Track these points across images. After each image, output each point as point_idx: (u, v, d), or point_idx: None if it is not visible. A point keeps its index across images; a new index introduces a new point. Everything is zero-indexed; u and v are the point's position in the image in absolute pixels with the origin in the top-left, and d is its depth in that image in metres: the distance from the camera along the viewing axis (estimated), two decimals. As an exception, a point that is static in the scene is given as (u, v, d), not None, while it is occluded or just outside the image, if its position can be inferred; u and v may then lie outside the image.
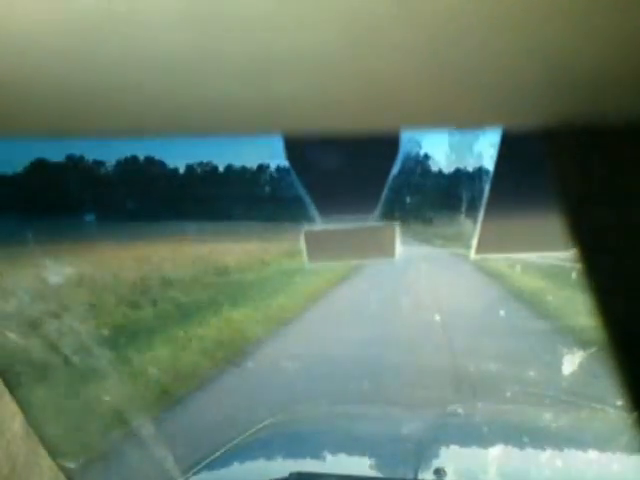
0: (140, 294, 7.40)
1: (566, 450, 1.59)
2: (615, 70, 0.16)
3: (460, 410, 2.26)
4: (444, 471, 1.34)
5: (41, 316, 4.51)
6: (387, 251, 0.67)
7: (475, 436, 1.79)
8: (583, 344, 4.69)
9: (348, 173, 0.52)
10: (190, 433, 3.23)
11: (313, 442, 1.81)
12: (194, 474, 1.48)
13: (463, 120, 0.19)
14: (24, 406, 0.89)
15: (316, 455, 1.66)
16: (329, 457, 1.63)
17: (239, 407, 3.75)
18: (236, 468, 1.63)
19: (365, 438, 1.83)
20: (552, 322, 6.71)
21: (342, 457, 1.62)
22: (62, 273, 5.52)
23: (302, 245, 0.65)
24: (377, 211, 0.57)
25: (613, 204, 0.22)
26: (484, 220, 0.51)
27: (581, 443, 1.64)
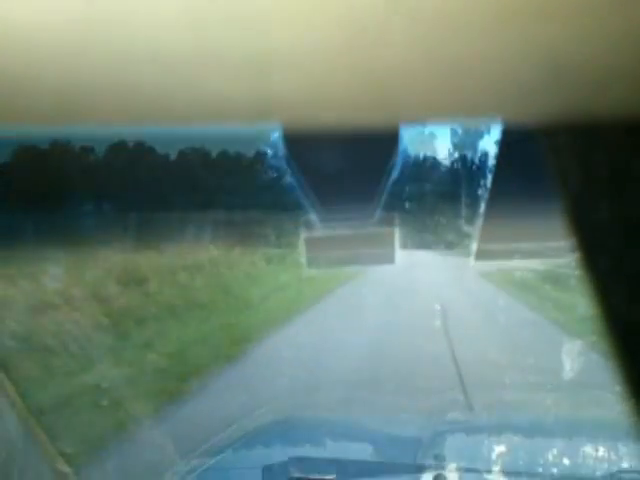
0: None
1: (568, 449, 1.59)
2: (616, 66, 0.16)
3: (460, 416, 2.26)
4: (444, 476, 1.34)
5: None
6: (386, 257, 0.66)
7: (476, 441, 1.79)
8: (584, 344, 4.69)
9: (347, 175, 0.52)
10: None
11: (312, 446, 1.81)
12: (193, 459, 1.48)
13: (462, 115, 0.19)
14: (22, 405, 0.89)
15: (315, 459, 1.65)
16: (328, 461, 1.63)
17: (237, 403, 3.75)
18: (235, 470, 1.63)
19: (365, 443, 1.83)
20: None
21: (341, 461, 1.62)
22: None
23: (301, 251, 0.65)
24: (376, 216, 0.57)
25: (613, 203, 0.22)
26: (483, 225, 0.51)
27: (583, 447, 1.64)
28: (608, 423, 1.69)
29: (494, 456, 1.49)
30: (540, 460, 1.54)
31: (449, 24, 0.15)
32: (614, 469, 1.40)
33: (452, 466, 1.48)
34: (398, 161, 0.48)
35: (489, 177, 0.47)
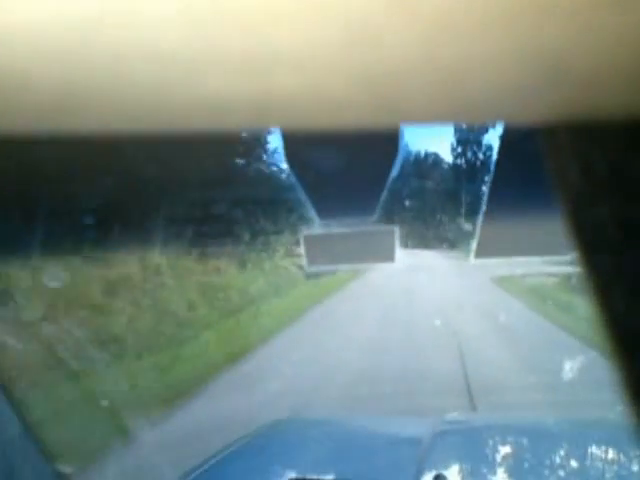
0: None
1: (569, 455, 1.59)
2: (616, 66, 0.16)
3: (461, 416, 2.25)
4: (444, 476, 1.34)
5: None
6: (386, 255, 0.67)
7: (476, 442, 1.79)
8: (586, 347, 4.64)
9: (347, 174, 0.52)
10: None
11: (312, 448, 1.81)
12: (193, 478, 1.48)
13: (463, 116, 0.19)
14: (21, 409, 0.89)
15: (315, 461, 1.65)
16: (328, 463, 1.62)
17: (237, 411, 3.73)
18: (235, 473, 1.63)
19: (365, 444, 1.83)
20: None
21: (341, 463, 1.62)
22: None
23: (301, 249, 0.65)
24: (376, 214, 0.57)
25: (613, 203, 0.22)
26: (483, 224, 0.51)
27: (582, 447, 1.64)
28: (617, 426, 1.69)
29: (496, 475, 1.49)
30: (547, 462, 1.54)
31: (449, 25, 0.15)
32: (624, 473, 1.40)
33: (453, 466, 1.48)
34: (398, 160, 0.48)
35: (489, 176, 0.47)
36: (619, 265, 0.22)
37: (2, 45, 0.16)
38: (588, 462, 1.55)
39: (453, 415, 2.30)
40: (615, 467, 1.49)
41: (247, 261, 9.99)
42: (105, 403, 3.64)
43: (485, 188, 0.48)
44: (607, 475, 1.44)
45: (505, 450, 1.66)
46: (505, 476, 1.47)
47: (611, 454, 1.55)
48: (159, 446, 3.01)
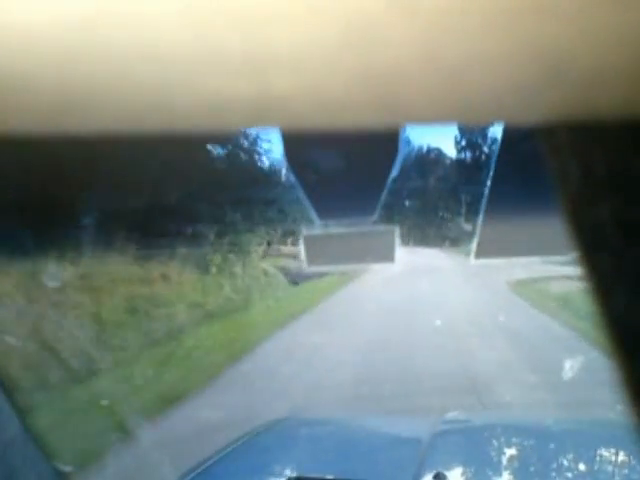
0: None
1: (568, 454, 1.59)
2: (616, 66, 0.16)
3: (461, 416, 2.25)
4: (444, 475, 1.34)
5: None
6: (386, 255, 0.66)
7: (476, 441, 1.79)
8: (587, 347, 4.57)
9: (347, 175, 0.52)
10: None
11: (313, 447, 1.81)
12: (192, 478, 1.48)
13: (463, 116, 0.19)
14: (21, 409, 0.89)
15: (314, 460, 1.65)
16: (327, 462, 1.62)
17: (238, 410, 3.71)
18: (234, 472, 1.63)
19: (365, 443, 1.83)
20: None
21: (341, 462, 1.62)
22: None
23: (301, 249, 0.65)
24: (376, 214, 0.57)
25: (614, 202, 0.22)
26: (483, 223, 0.51)
27: (583, 447, 1.64)
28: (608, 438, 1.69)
29: (496, 474, 1.49)
30: (548, 460, 1.54)
31: (450, 24, 0.15)
32: (635, 477, 1.40)
33: (453, 466, 1.48)
34: (398, 160, 0.48)
35: (489, 176, 0.47)
36: (619, 265, 0.22)
37: (1, 45, 0.16)
38: (587, 462, 1.55)
39: (453, 415, 2.30)
40: (609, 466, 1.49)
41: (211, 265, 8.25)
42: (105, 402, 3.64)
43: (485, 188, 0.48)
44: (601, 470, 1.45)
45: (506, 450, 1.66)
46: (506, 476, 1.48)
47: (604, 452, 1.55)
48: (159, 445, 3.00)
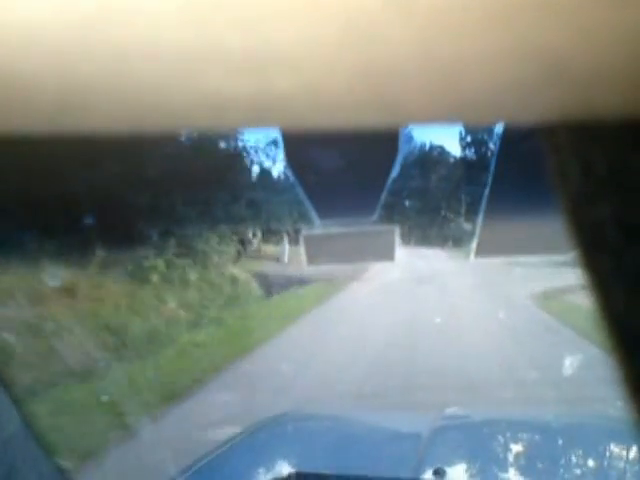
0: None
1: (566, 451, 1.59)
2: (616, 66, 0.16)
3: (460, 411, 2.25)
4: (443, 470, 1.34)
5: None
6: (386, 254, 0.67)
7: (475, 437, 1.79)
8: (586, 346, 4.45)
9: (347, 175, 0.52)
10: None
11: (313, 442, 1.81)
12: (192, 473, 1.48)
13: (463, 116, 0.19)
14: (21, 405, 0.89)
15: (314, 456, 1.65)
16: (328, 458, 1.63)
17: (239, 406, 3.69)
18: (235, 468, 1.63)
19: (364, 439, 1.83)
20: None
21: (341, 457, 1.62)
22: None
23: (301, 248, 0.65)
24: (376, 214, 0.57)
25: (614, 202, 0.22)
26: (483, 222, 0.51)
27: (582, 444, 1.64)
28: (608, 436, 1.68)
29: (496, 470, 1.49)
30: (546, 456, 1.54)
31: (449, 24, 0.15)
32: (635, 471, 1.39)
33: (453, 461, 1.48)
34: (398, 159, 0.48)
35: (489, 176, 0.47)
36: (619, 264, 0.22)
37: (0, 44, 0.16)
38: (587, 457, 1.55)
39: (453, 410, 2.30)
40: (608, 461, 1.49)
41: (152, 272, 6.01)
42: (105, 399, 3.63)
43: (485, 188, 0.48)
44: (600, 465, 1.45)
45: (506, 445, 1.66)
46: (506, 471, 1.48)
47: (604, 447, 1.56)
48: (159, 442, 3.00)
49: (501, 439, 1.69)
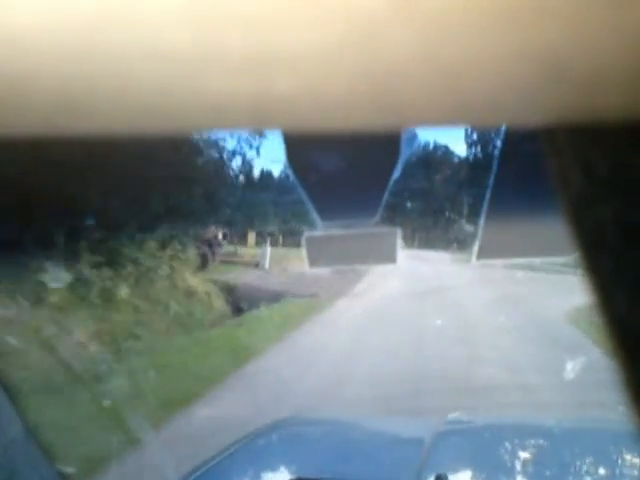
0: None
1: (571, 454, 1.58)
2: (616, 66, 0.16)
3: (463, 417, 2.25)
4: (446, 476, 1.33)
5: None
6: (388, 256, 0.66)
7: (478, 442, 1.78)
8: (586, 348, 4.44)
9: (349, 176, 0.52)
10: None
11: (313, 448, 1.81)
12: (194, 479, 1.48)
13: (464, 117, 0.19)
14: (22, 410, 0.89)
15: (316, 461, 1.65)
16: (330, 463, 1.62)
17: (239, 411, 3.70)
18: (235, 473, 1.63)
19: (366, 444, 1.82)
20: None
21: (343, 463, 1.62)
22: None
23: (303, 251, 0.65)
24: (378, 215, 0.57)
25: (614, 203, 0.22)
26: (485, 224, 0.51)
27: (584, 448, 1.63)
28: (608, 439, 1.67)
29: (498, 475, 1.49)
30: (549, 460, 1.54)
31: (451, 25, 0.15)
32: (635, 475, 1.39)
33: (455, 466, 1.48)
34: (400, 161, 0.48)
35: (490, 178, 0.47)
36: (620, 266, 0.22)
37: (1, 45, 0.16)
38: (590, 462, 1.54)
39: (455, 415, 2.29)
40: (611, 466, 1.48)
41: (90, 285, 4.59)
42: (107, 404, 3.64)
43: (486, 190, 0.48)
44: (603, 470, 1.44)
45: (509, 451, 1.65)
46: (509, 476, 1.47)
47: (607, 452, 1.55)
48: (162, 447, 3.00)
49: (504, 445, 1.68)
